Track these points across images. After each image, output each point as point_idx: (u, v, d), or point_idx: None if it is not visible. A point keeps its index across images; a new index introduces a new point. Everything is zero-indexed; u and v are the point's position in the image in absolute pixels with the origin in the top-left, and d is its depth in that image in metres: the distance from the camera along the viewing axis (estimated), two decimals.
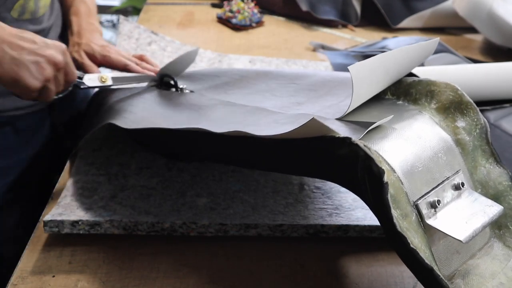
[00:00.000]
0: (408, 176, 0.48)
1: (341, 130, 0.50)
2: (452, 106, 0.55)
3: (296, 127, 0.49)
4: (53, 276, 0.56)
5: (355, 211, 0.63)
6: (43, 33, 0.82)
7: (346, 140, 0.48)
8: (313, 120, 0.47)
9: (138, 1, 2.69)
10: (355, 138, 0.48)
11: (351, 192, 0.66)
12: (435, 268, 0.44)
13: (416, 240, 0.45)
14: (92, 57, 0.83)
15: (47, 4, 0.82)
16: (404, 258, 0.46)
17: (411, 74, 0.82)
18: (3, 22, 0.65)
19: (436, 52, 1.04)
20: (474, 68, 0.95)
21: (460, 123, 0.55)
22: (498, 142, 0.81)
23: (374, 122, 0.50)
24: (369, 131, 0.50)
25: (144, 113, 0.69)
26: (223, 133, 0.56)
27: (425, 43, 0.58)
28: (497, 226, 0.53)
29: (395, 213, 0.45)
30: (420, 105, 0.56)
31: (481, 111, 0.56)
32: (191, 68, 0.92)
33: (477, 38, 1.31)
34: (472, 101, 0.55)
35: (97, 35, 0.86)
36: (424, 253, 0.45)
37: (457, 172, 0.52)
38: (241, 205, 0.64)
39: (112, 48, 0.85)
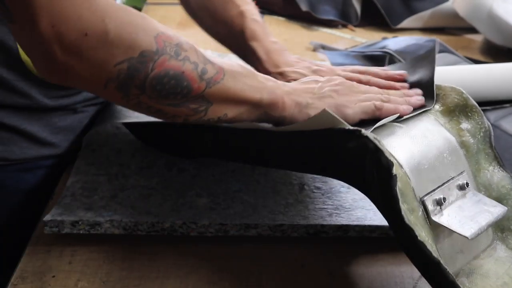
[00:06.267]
0: (414, 172, 0.49)
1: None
2: (457, 109, 0.56)
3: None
4: (53, 276, 0.56)
5: (355, 211, 0.63)
6: None
7: (356, 132, 0.48)
8: (324, 111, 0.47)
9: (138, 1, 2.69)
10: (365, 131, 0.48)
11: (351, 192, 0.66)
12: (442, 261, 0.44)
13: (423, 234, 0.46)
14: None
15: None
16: (410, 252, 0.46)
17: None
18: None
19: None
20: (474, 69, 0.95)
21: (465, 126, 0.55)
22: (498, 142, 0.81)
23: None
24: (376, 128, 0.51)
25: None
26: (232, 126, 0.56)
27: None
28: (499, 229, 0.53)
29: (403, 206, 0.46)
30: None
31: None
32: None
33: (477, 38, 1.31)
34: (477, 105, 0.56)
35: (287, 54, 0.72)
36: (431, 247, 0.45)
37: (462, 173, 0.52)
38: (241, 205, 0.64)
39: (323, 67, 0.69)
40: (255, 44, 0.72)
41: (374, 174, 0.48)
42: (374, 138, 0.47)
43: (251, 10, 0.74)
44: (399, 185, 0.46)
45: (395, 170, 0.46)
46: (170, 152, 0.72)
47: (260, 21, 0.74)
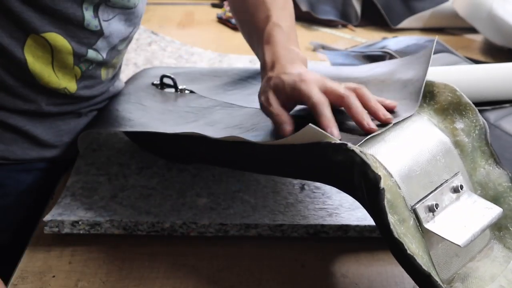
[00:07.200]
0: (405, 180, 0.48)
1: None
2: (451, 107, 0.55)
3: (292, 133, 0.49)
4: (53, 276, 0.56)
5: (355, 211, 0.63)
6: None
7: (342, 146, 0.48)
8: (309, 127, 0.47)
9: None
10: (351, 144, 0.48)
11: None
12: (432, 273, 0.44)
13: (413, 246, 0.45)
14: (282, 91, 0.58)
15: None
16: (402, 263, 0.46)
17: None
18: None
19: (436, 52, 1.04)
20: (474, 69, 0.95)
21: (459, 125, 0.54)
22: (498, 142, 0.81)
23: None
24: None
25: (142, 119, 0.69)
26: (219, 139, 0.56)
27: None
28: (497, 227, 0.53)
29: (392, 219, 0.45)
30: (419, 106, 0.56)
31: (481, 111, 0.56)
32: (191, 69, 0.91)
33: (477, 38, 1.31)
34: (471, 102, 0.55)
35: (297, 64, 0.62)
36: (421, 259, 0.45)
37: (456, 174, 0.52)
38: (241, 205, 0.64)
39: (314, 76, 0.57)
40: (266, 48, 0.67)
41: (363, 187, 0.47)
42: (360, 152, 0.47)
43: (280, 15, 0.71)
44: (388, 196, 0.46)
45: (383, 183, 0.45)
46: (165, 157, 0.72)
47: (284, 27, 0.68)
